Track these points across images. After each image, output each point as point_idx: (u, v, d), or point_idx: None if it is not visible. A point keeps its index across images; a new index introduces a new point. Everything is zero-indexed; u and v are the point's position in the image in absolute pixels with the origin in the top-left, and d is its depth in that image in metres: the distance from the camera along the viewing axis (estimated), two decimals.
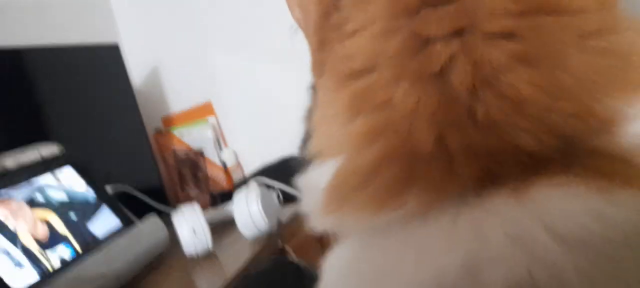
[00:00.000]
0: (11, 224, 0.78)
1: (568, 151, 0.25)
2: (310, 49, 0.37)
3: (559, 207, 0.23)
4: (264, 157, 1.37)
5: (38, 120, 1.09)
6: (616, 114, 0.25)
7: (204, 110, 1.44)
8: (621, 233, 0.22)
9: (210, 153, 1.42)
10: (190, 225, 0.89)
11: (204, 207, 0.98)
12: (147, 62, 1.49)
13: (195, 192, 1.44)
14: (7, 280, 0.70)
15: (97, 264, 0.81)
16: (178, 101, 1.48)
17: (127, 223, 0.95)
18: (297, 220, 1.02)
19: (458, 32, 0.27)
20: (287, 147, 1.30)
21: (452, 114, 0.26)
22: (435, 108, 0.26)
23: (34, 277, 0.73)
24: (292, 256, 0.96)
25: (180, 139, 1.45)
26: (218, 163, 1.42)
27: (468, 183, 0.25)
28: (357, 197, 0.28)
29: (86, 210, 0.92)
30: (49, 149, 0.94)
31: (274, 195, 1.03)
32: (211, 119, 1.43)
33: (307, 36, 0.38)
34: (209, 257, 0.92)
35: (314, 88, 0.36)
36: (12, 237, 0.76)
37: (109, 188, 1.06)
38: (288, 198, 1.09)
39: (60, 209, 0.88)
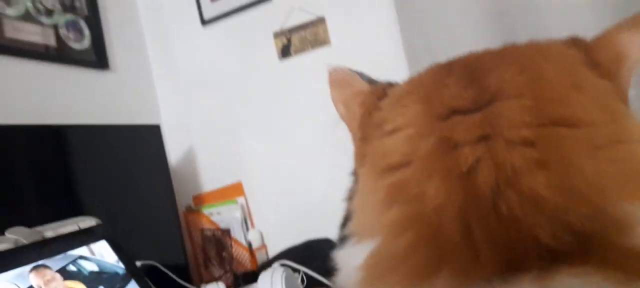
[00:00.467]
0: None
1: (586, 247, 0.27)
2: (353, 142, 0.41)
3: None
4: (288, 239, 1.38)
5: (77, 195, 1.14)
6: (629, 216, 0.27)
7: (234, 191, 1.47)
8: None
9: (237, 233, 1.44)
10: None
11: (228, 287, 0.99)
12: (183, 143, 1.56)
13: (219, 271, 1.45)
14: None
15: None
16: (210, 181, 1.53)
17: None
18: None
19: (483, 138, 0.30)
20: (311, 230, 1.32)
21: (478, 209, 0.29)
22: (463, 203, 0.29)
23: None
24: None
25: (210, 217, 1.48)
26: (244, 243, 1.43)
27: (493, 271, 0.27)
28: (390, 277, 0.30)
29: (115, 283, 0.94)
30: (87, 223, 0.98)
31: (298, 279, 1.03)
32: (240, 200, 1.46)
33: (351, 130, 0.42)
34: None
35: (355, 174, 0.40)
36: None
37: (138, 264, 1.08)
38: (312, 282, 1.09)
39: (90, 281, 0.90)
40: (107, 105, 1.39)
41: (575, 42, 0.37)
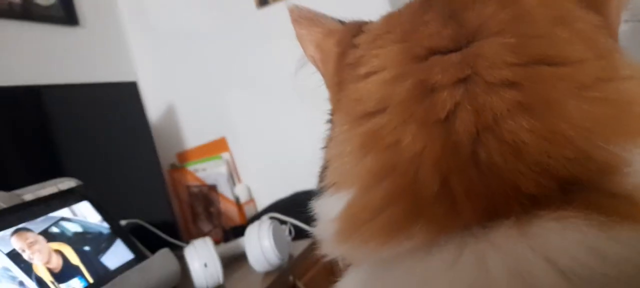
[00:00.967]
0: (27, 256, 0.80)
1: (569, 192, 0.26)
2: (327, 86, 0.39)
3: (560, 241, 0.24)
4: (277, 192, 1.38)
5: (56, 156, 1.12)
6: (615, 158, 0.26)
7: (217, 146, 1.46)
8: (621, 272, 0.23)
9: (224, 189, 1.43)
10: (202, 259, 0.90)
11: (217, 242, 0.99)
12: (162, 100, 1.52)
13: (208, 227, 1.45)
14: None
15: None
16: (192, 137, 1.51)
17: (140, 257, 0.96)
18: (308, 255, 1.02)
19: (462, 80, 0.29)
20: (299, 182, 1.31)
21: (456, 158, 0.27)
22: (440, 152, 0.28)
23: None
24: None
25: (195, 174, 1.47)
26: (231, 198, 1.43)
27: (471, 221, 0.26)
28: (366, 229, 0.29)
29: (100, 243, 0.94)
30: (66, 184, 0.96)
31: (286, 230, 1.04)
32: (225, 155, 1.45)
33: (324, 75, 0.40)
34: None
35: (331, 121, 0.38)
36: (27, 269, 0.78)
37: (123, 223, 1.08)
38: (300, 233, 1.10)
39: (75, 242, 0.90)
40: (79, 64, 1.34)
41: None
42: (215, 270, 0.90)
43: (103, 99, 1.28)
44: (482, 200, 0.26)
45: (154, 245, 1.03)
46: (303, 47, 0.41)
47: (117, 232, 0.98)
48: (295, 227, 1.12)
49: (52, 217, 0.90)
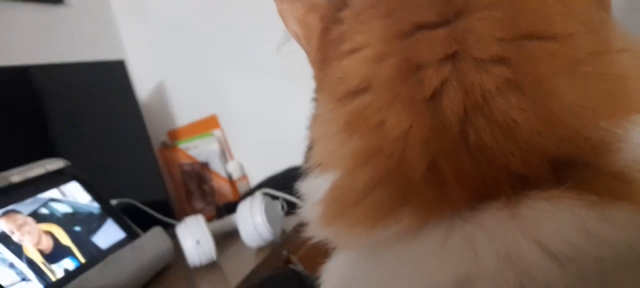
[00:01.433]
0: (16, 238, 0.79)
1: (560, 172, 0.25)
2: (311, 63, 0.38)
3: (550, 222, 0.24)
4: (270, 168, 1.37)
5: (45, 137, 1.10)
6: (608, 136, 0.25)
7: (209, 124, 1.45)
8: (613, 252, 0.23)
9: (216, 166, 1.43)
10: (194, 236, 0.90)
11: (210, 220, 0.99)
12: (152, 77, 1.50)
13: (202, 204, 1.45)
14: None
15: (101, 276, 0.81)
16: (183, 115, 1.49)
17: (131, 236, 0.95)
18: (301, 230, 1.02)
19: (450, 57, 0.27)
20: (292, 157, 1.31)
21: (444, 139, 0.26)
22: (427, 134, 0.27)
23: None
24: (297, 265, 0.96)
25: (186, 152, 1.46)
26: (224, 175, 1.42)
27: (460, 203, 0.26)
28: (352, 213, 0.29)
29: (91, 223, 0.93)
30: (55, 164, 0.95)
31: (278, 205, 1.03)
32: (216, 132, 1.44)
33: (308, 51, 0.39)
34: (213, 267, 0.92)
35: (316, 99, 0.37)
36: (17, 251, 0.77)
37: (113, 202, 1.07)
38: (293, 208, 1.09)
39: (65, 222, 0.89)
40: (65, 43, 1.31)
41: None
42: (208, 247, 0.90)
43: (91, 78, 1.26)
44: (472, 181, 0.25)
45: (147, 224, 1.03)
46: (285, 23, 0.39)
47: (107, 212, 0.97)
48: (288, 201, 1.12)
49: (41, 199, 0.89)
